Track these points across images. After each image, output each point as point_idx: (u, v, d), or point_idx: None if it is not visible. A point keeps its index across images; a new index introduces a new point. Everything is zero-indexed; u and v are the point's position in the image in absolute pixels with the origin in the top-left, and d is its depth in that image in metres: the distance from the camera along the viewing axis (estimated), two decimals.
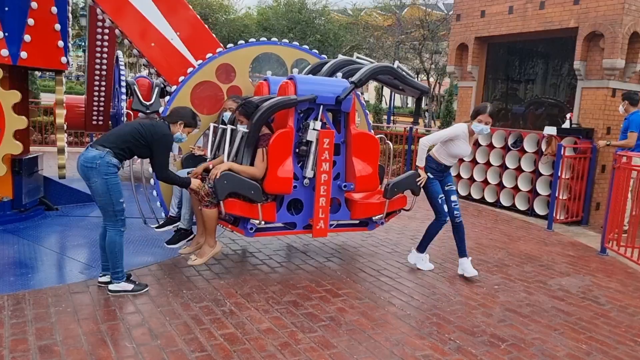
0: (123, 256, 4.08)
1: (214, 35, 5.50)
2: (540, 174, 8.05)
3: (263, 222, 4.50)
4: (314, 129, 4.50)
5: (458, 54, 10.09)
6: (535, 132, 8.35)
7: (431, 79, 28.87)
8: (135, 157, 4.24)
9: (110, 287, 4.05)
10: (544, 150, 7.98)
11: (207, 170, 4.56)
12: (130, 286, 4.07)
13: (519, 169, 8.42)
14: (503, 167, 8.68)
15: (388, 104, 27.10)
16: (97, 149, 3.90)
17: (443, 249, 5.98)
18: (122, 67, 8.99)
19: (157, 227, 4.94)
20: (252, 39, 5.23)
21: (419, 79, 26.62)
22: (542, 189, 8.05)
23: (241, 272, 4.75)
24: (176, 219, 4.88)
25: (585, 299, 4.69)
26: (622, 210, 6.11)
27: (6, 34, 5.13)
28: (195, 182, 4.28)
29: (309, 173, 4.60)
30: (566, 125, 7.94)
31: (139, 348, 3.22)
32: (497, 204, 8.81)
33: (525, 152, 8.29)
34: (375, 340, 3.56)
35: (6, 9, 5.09)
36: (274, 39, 5.33)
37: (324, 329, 3.69)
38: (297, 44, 5.47)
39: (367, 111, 6.03)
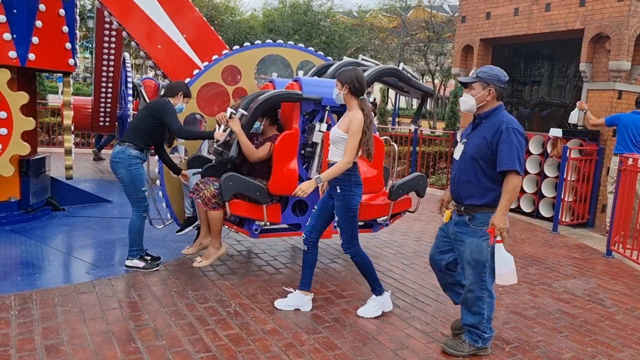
0: (140, 238, 4.59)
1: (219, 37, 5.53)
2: (546, 176, 8.03)
3: (268, 223, 4.52)
4: (319, 131, 4.51)
5: (463, 56, 10.09)
6: (540, 134, 8.34)
7: (436, 81, 28.87)
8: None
9: (126, 262, 4.59)
10: (549, 152, 7.97)
11: (204, 174, 4.59)
12: (141, 264, 4.58)
13: (524, 171, 8.38)
14: None
15: (393, 105, 27.08)
16: (119, 145, 4.48)
17: None
18: (128, 69, 9.04)
19: (177, 232, 5.02)
20: (258, 41, 5.25)
21: (424, 81, 26.67)
22: (547, 191, 8.03)
23: (246, 273, 4.77)
24: (193, 219, 4.92)
25: (591, 301, 4.68)
26: (628, 213, 6.10)
27: (14, 35, 5.17)
28: (217, 133, 4.46)
29: (314, 174, 4.61)
30: (574, 115, 7.83)
31: (144, 348, 3.24)
32: None
33: (531, 153, 8.27)
34: (379, 342, 3.56)
35: (15, 11, 5.13)
36: (280, 40, 5.35)
37: (328, 330, 3.69)
38: (303, 45, 5.49)
39: (373, 113, 6.03)
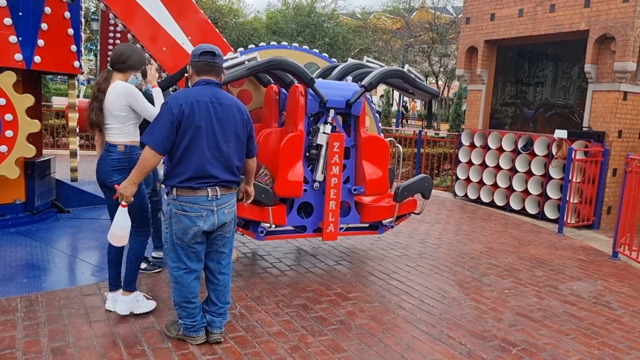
0: None
1: (224, 39, 5.53)
2: (551, 178, 8.00)
3: (274, 226, 4.52)
4: (324, 133, 4.51)
5: (467, 57, 10.07)
6: (545, 136, 8.31)
7: (440, 82, 28.85)
8: None
9: None
10: (554, 153, 7.94)
11: None
12: (144, 265, 4.49)
13: (529, 173, 8.38)
14: (513, 170, 8.64)
15: (397, 107, 27.06)
16: None
17: (453, 253, 5.96)
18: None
19: None
20: (263, 43, 5.26)
21: (428, 82, 26.61)
22: (552, 192, 8.00)
23: (251, 275, 4.76)
24: None
25: (597, 303, 4.66)
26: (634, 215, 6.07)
27: (20, 38, 5.17)
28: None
29: (319, 176, 4.61)
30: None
31: (150, 350, 3.24)
32: (506, 207, 8.77)
33: (536, 155, 8.25)
34: (386, 344, 3.55)
35: (20, 13, 5.14)
36: (284, 42, 5.35)
37: (334, 332, 3.69)
38: (307, 47, 5.48)
39: (377, 115, 6.03)
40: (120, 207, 3.32)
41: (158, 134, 3.08)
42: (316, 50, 5.52)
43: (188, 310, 3.32)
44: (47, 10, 5.37)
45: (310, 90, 4.49)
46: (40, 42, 5.32)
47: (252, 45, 5.23)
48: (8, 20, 5.09)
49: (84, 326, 3.49)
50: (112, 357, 3.13)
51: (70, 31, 5.64)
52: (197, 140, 3.13)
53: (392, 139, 5.80)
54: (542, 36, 8.68)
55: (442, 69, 27.29)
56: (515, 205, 8.62)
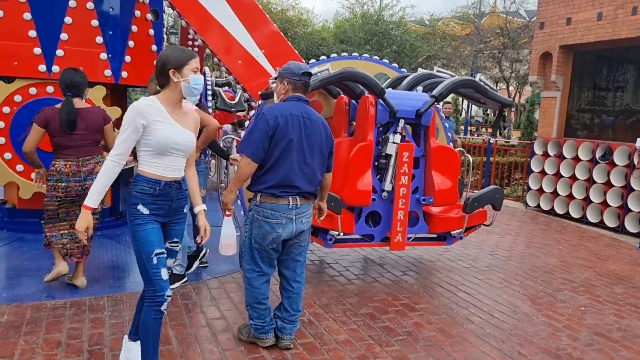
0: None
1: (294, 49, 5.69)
2: (632, 189, 7.58)
3: (342, 234, 4.59)
4: (393, 143, 4.54)
5: (541, 63, 9.75)
6: (626, 144, 7.88)
7: (511, 88, 27.95)
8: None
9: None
10: (636, 163, 7.52)
11: None
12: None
13: (607, 184, 7.97)
14: (590, 181, 8.25)
15: (465, 114, 26.47)
16: None
17: (524, 266, 5.79)
18: (208, 83, 9.45)
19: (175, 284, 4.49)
20: (334, 54, 5.36)
21: (498, 88, 25.89)
22: (634, 204, 7.57)
23: (319, 283, 4.85)
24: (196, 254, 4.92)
25: None
26: None
27: (110, 55, 5.58)
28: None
29: (387, 186, 4.64)
30: None
31: (224, 352, 3.39)
32: (583, 219, 8.38)
33: (615, 165, 7.85)
34: (454, 358, 3.52)
35: (110, 32, 5.55)
36: (355, 53, 5.42)
37: (401, 343, 3.70)
38: (377, 57, 5.53)
39: (446, 124, 5.97)
40: (225, 217, 3.58)
41: (254, 143, 3.26)
42: (386, 61, 5.57)
43: (259, 311, 3.47)
44: (134, 28, 5.76)
45: (381, 101, 4.55)
46: (127, 58, 5.70)
47: (324, 57, 5.34)
48: (99, 39, 5.50)
49: (164, 327, 3.69)
50: (190, 357, 3.31)
51: (154, 47, 6.01)
52: (288, 152, 3.29)
53: (461, 148, 5.73)
54: (623, 40, 8.27)
55: (513, 75, 26.46)
56: (592, 217, 8.23)
